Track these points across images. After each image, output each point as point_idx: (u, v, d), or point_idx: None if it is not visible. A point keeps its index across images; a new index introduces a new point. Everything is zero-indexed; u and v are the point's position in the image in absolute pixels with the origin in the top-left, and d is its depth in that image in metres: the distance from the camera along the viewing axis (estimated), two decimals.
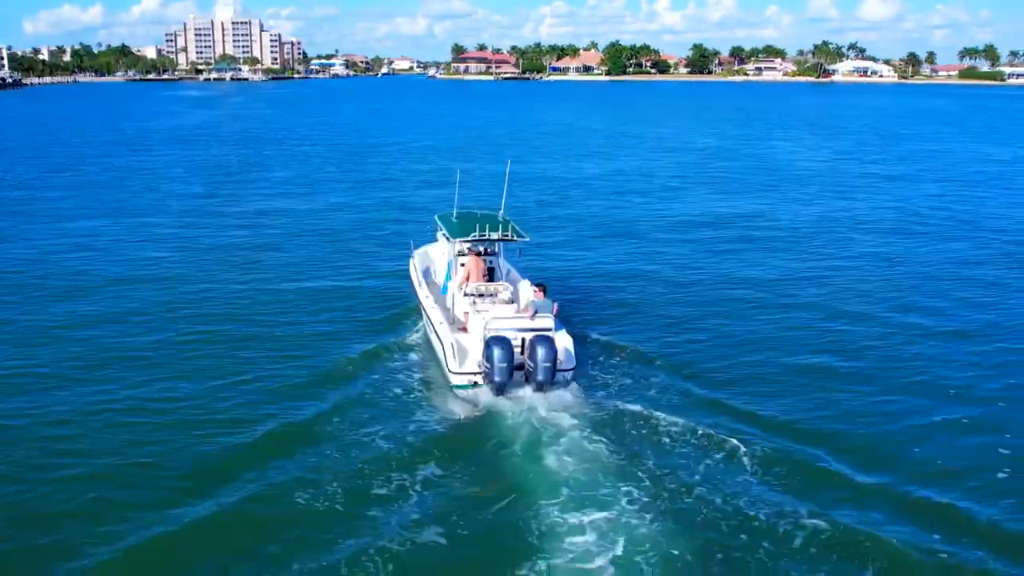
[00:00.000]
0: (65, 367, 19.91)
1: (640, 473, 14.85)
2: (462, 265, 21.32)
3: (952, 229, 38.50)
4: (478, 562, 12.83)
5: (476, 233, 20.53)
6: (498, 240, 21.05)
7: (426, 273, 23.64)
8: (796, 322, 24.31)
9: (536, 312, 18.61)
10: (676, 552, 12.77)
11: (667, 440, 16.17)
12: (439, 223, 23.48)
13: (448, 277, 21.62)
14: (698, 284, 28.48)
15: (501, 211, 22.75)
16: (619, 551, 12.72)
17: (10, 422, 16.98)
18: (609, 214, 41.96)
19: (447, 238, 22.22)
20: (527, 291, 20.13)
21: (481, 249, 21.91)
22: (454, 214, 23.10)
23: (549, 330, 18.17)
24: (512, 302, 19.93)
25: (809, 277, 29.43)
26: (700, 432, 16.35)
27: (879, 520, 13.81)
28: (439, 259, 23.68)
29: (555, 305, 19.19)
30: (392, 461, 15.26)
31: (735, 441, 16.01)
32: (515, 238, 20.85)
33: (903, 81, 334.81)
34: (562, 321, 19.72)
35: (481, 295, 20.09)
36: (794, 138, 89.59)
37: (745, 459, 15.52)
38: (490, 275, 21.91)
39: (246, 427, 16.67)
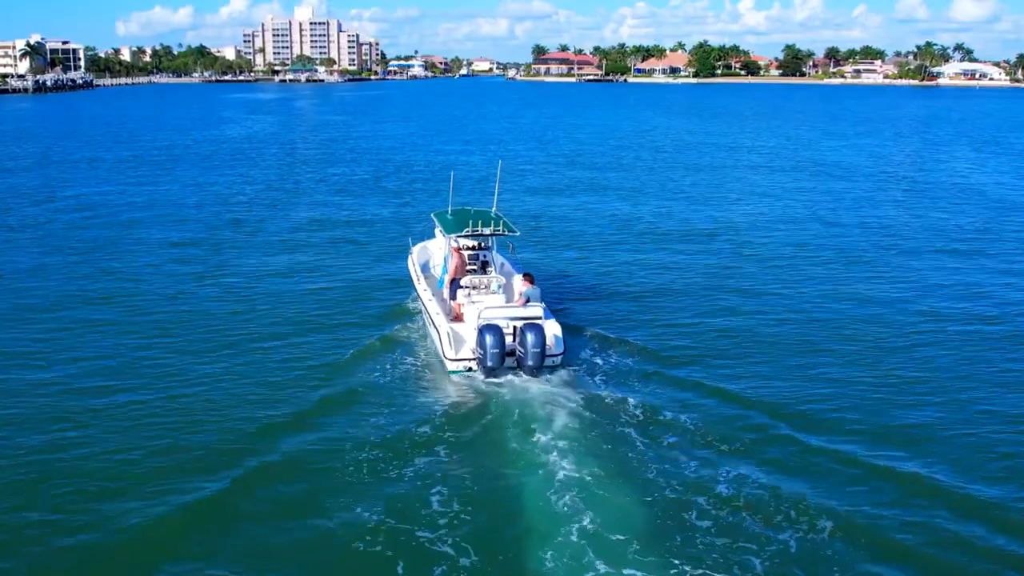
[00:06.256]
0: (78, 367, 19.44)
1: (627, 456, 15.29)
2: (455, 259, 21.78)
3: None
4: (469, 538, 12.95)
5: (470, 228, 21.43)
6: (491, 235, 21.96)
7: (424, 267, 24.38)
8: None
9: (528, 302, 19.53)
10: (662, 535, 12.98)
11: (653, 424, 16.57)
12: (435, 220, 24.15)
13: (445, 271, 22.08)
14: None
15: (493, 207, 23.74)
16: (602, 531, 12.93)
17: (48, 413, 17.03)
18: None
19: (443, 233, 22.84)
20: (519, 283, 20.71)
21: (466, 244, 22.52)
22: (449, 211, 23.81)
23: (539, 318, 18.91)
24: (503, 293, 20.85)
25: None
26: (681, 417, 16.89)
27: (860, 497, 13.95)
28: (436, 254, 24.70)
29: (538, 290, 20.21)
30: (392, 441, 15.88)
31: (717, 423, 16.65)
32: (506, 232, 21.71)
33: (1016, 84, 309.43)
34: (552, 312, 20.18)
35: (475, 287, 20.79)
36: (990, 166, 70.61)
37: (731, 443, 15.84)
38: (483, 268, 22.70)
39: (253, 415, 17.02)
